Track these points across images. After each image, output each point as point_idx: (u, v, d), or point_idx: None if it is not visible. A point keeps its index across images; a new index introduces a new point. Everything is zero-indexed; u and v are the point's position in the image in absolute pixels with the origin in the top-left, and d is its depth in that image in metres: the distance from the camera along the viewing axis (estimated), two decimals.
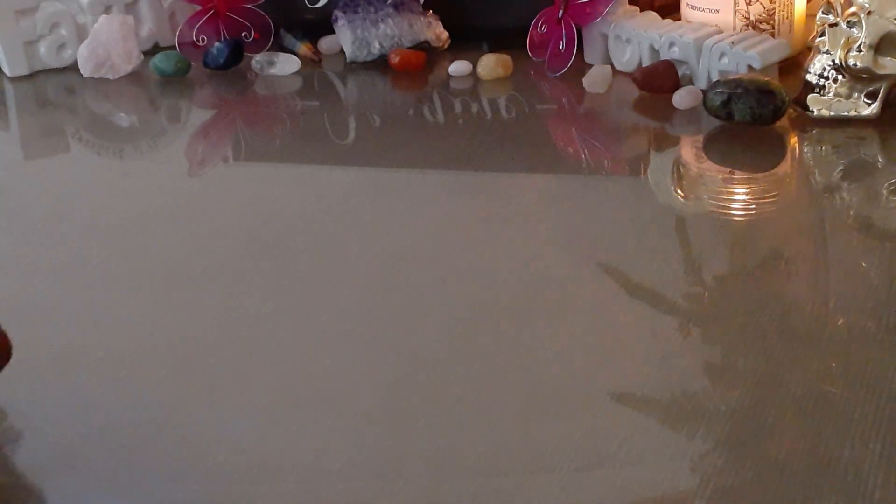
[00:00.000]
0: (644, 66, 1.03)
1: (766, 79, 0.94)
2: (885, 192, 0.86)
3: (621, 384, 0.64)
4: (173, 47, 1.15)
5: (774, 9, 1.02)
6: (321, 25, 1.15)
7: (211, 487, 0.60)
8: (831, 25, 0.93)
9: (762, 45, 0.98)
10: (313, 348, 0.70)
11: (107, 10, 1.15)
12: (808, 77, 0.94)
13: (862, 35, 0.91)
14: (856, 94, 0.93)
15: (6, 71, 1.14)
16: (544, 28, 1.08)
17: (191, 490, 0.60)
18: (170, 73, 1.12)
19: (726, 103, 0.92)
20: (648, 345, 0.69)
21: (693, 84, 1.00)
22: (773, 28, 1.02)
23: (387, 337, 0.71)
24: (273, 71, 1.13)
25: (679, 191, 0.90)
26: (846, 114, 0.93)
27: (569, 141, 1.01)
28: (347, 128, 1.04)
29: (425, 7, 1.13)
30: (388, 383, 0.66)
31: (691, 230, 0.85)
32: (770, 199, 0.88)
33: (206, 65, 1.12)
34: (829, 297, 0.74)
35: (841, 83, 0.93)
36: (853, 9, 0.92)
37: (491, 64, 1.08)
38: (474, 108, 1.04)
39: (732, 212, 0.86)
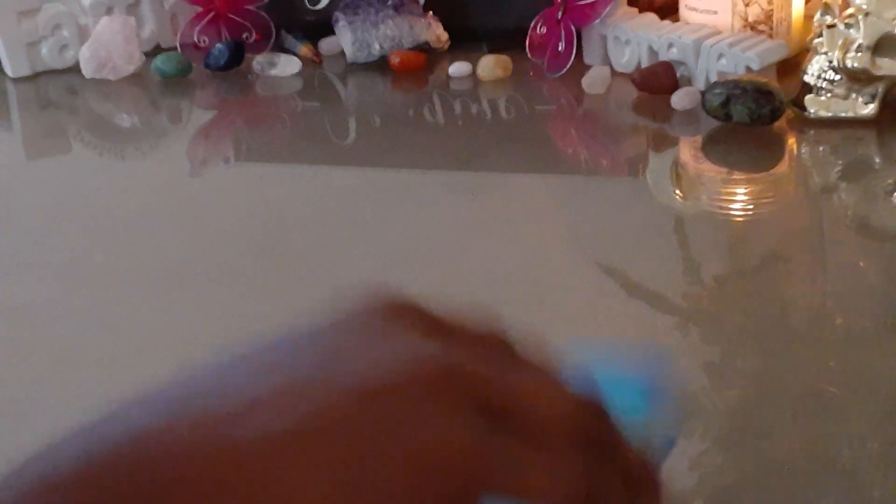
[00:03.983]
0: (643, 67, 1.03)
1: (765, 80, 0.94)
2: (882, 192, 0.86)
3: None
4: (175, 48, 1.15)
5: (772, 10, 1.02)
6: (322, 27, 1.15)
7: None
8: (829, 27, 0.93)
9: (760, 46, 0.98)
10: None
11: (108, 11, 1.15)
12: (806, 78, 0.94)
13: (860, 36, 0.91)
14: (854, 95, 0.93)
15: (8, 72, 1.14)
16: (543, 29, 1.08)
17: None
18: (171, 74, 1.12)
19: (725, 104, 0.92)
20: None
21: (691, 85, 1.00)
22: (771, 29, 1.02)
23: None
24: (274, 72, 1.13)
25: (678, 191, 0.91)
26: (844, 114, 0.93)
27: (568, 141, 1.01)
28: (348, 128, 1.04)
29: (425, 8, 1.13)
30: None
31: (690, 230, 0.85)
32: (768, 200, 0.88)
33: (207, 66, 1.12)
34: (827, 296, 0.74)
35: (839, 84, 0.93)
36: (851, 10, 0.92)
37: (490, 65, 1.08)
38: (474, 108, 1.04)
39: (731, 212, 0.86)
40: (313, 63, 1.14)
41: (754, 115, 0.92)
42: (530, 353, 0.39)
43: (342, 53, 1.14)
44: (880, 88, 0.92)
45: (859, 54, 0.91)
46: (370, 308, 0.37)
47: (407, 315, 0.38)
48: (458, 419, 0.33)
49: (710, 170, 0.93)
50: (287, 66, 1.13)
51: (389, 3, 1.12)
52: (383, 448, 0.32)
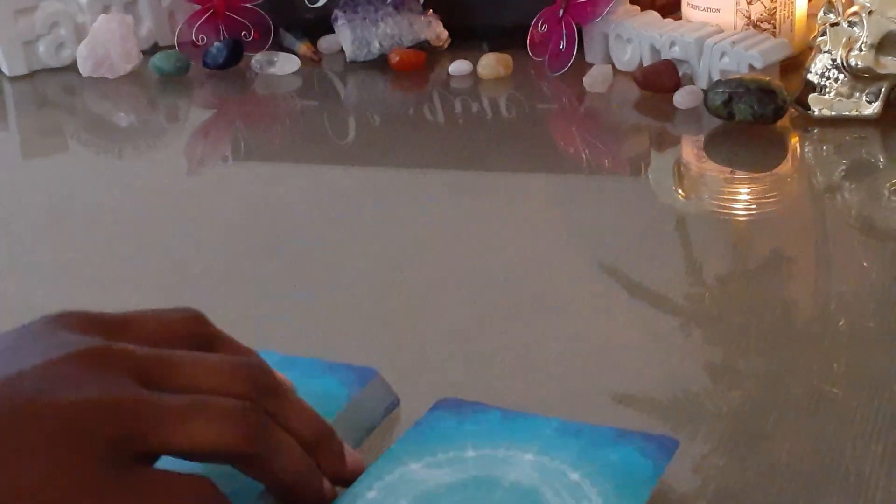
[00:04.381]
0: (645, 65, 1.02)
1: (768, 78, 0.93)
2: (886, 191, 0.85)
3: (622, 385, 0.63)
4: (173, 46, 1.15)
5: (775, 8, 1.02)
6: (321, 25, 1.15)
7: None
8: (832, 25, 0.93)
9: (763, 44, 0.98)
10: (313, 348, 0.70)
11: (106, 9, 1.15)
12: (810, 76, 0.94)
13: (863, 34, 0.91)
14: (857, 94, 0.93)
15: (5, 70, 1.14)
16: (545, 27, 1.08)
17: None
18: (169, 73, 1.12)
19: (727, 103, 0.92)
20: (649, 345, 0.68)
21: (694, 83, 1.00)
22: (774, 27, 1.02)
23: (386, 337, 0.70)
24: (273, 70, 1.12)
25: (680, 190, 0.90)
26: (848, 113, 0.93)
27: (569, 140, 1.00)
28: (347, 127, 1.04)
29: (425, 6, 1.13)
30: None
31: (692, 230, 0.84)
32: (771, 199, 0.88)
33: (205, 64, 1.12)
34: (830, 297, 0.73)
35: (842, 83, 0.93)
36: (854, 8, 0.92)
37: (491, 63, 1.08)
38: (474, 107, 1.04)
39: (733, 212, 0.86)
40: (312, 61, 1.14)
41: (757, 114, 0.92)
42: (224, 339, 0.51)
43: (341, 52, 1.14)
44: (884, 87, 0.92)
45: (863, 52, 0.91)
46: (46, 320, 0.48)
47: (75, 321, 0.48)
48: (110, 381, 0.43)
49: (713, 169, 0.92)
50: (286, 64, 1.12)
51: (389, 1, 1.11)
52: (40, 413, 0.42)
